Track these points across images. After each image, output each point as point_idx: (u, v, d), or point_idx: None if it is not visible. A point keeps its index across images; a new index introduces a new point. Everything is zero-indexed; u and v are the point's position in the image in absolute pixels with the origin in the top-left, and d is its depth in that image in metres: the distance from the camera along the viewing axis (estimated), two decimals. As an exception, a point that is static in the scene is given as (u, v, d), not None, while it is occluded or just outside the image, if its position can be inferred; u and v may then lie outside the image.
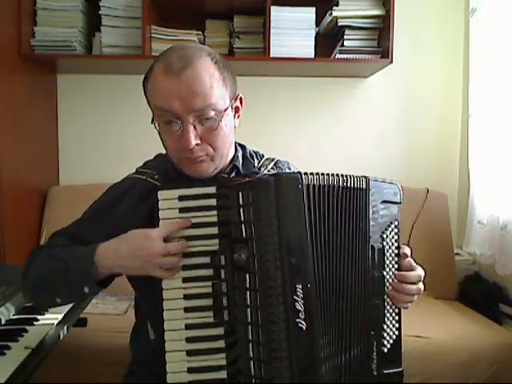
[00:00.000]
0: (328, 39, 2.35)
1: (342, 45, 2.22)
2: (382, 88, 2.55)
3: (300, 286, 0.84)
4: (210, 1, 2.19)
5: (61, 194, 2.34)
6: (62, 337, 1.17)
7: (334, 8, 2.19)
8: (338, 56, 2.21)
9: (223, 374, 0.87)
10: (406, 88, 2.56)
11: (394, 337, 0.96)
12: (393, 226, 0.98)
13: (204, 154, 0.96)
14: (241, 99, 1.05)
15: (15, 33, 2.05)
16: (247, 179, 0.93)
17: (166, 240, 0.88)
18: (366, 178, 0.94)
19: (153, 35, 2.16)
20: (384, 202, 0.96)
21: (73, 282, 0.93)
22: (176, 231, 0.89)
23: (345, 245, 0.92)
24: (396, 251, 0.98)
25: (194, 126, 0.93)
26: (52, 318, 1.23)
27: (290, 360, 0.83)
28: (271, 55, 2.14)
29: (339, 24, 2.21)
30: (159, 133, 0.99)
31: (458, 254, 2.39)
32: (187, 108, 0.92)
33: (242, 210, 0.86)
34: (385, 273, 0.95)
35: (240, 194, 0.87)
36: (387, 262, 0.96)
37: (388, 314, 0.96)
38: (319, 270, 0.88)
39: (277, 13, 2.13)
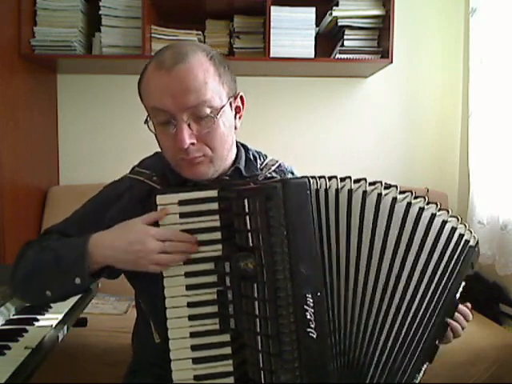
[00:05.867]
0: (328, 39, 2.35)
1: (342, 45, 2.22)
2: (382, 88, 2.54)
3: (310, 296, 0.81)
4: (210, 1, 2.19)
5: (61, 194, 2.34)
6: (61, 337, 1.17)
7: (334, 8, 2.19)
8: (338, 56, 2.21)
9: (230, 380, 0.86)
10: (406, 88, 2.56)
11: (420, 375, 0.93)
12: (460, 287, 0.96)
13: (201, 155, 0.92)
14: (242, 98, 1.00)
15: (15, 33, 2.05)
16: (252, 185, 0.89)
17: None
18: (473, 233, 0.93)
19: (153, 35, 2.16)
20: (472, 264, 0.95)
21: (64, 272, 0.89)
22: (176, 241, 0.85)
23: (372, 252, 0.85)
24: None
25: (189, 125, 0.89)
26: (52, 317, 1.23)
27: (301, 370, 0.81)
28: (271, 55, 2.14)
29: (339, 24, 2.21)
30: (156, 136, 0.96)
31: (458, 253, 2.38)
32: (180, 105, 0.88)
33: (248, 218, 0.82)
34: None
35: (246, 201, 0.82)
36: None
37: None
38: (332, 278, 0.84)
39: (277, 13, 2.13)
